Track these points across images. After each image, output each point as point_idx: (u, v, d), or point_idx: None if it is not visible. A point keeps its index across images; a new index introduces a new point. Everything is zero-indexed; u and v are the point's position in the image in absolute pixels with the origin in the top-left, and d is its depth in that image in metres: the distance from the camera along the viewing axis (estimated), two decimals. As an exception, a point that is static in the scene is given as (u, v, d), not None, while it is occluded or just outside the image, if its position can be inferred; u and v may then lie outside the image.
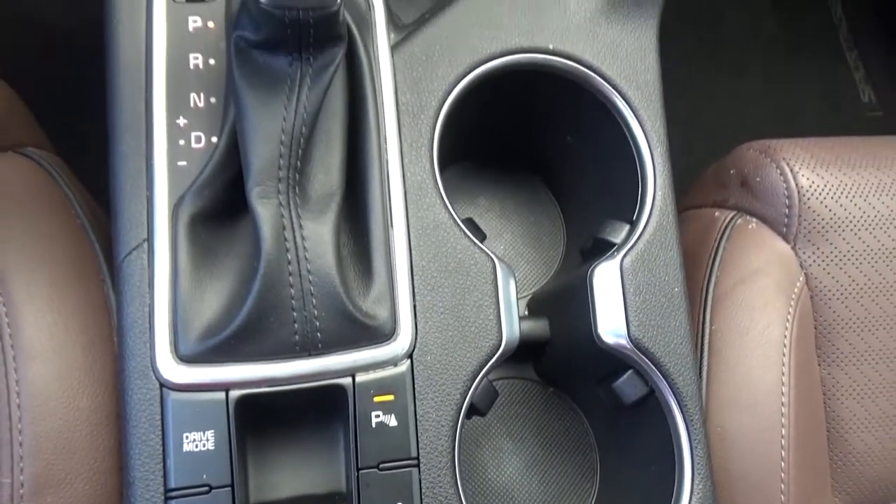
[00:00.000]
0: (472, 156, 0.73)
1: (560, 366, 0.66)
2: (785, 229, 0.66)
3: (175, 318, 0.46)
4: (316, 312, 0.46)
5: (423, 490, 0.49)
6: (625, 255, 0.56)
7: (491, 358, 0.52)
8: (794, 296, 0.64)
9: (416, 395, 0.49)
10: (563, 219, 0.73)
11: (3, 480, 0.48)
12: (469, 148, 0.71)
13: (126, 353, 0.47)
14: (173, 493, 0.45)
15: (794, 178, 0.66)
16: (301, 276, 0.46)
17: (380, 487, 0.48)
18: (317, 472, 0.50)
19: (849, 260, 0.66)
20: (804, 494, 0.61)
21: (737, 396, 0.60)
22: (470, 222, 0.65)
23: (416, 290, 0.51)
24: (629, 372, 0.56)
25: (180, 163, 0.49)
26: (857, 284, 0.66)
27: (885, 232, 0.66)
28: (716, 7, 1.62)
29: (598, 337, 0.54)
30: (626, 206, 0.60)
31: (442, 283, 0.52)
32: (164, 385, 0.46)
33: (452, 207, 0.54)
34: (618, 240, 0.58)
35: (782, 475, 0.60)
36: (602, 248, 0.59)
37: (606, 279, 0.55)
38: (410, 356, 0.50)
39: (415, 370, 0.50)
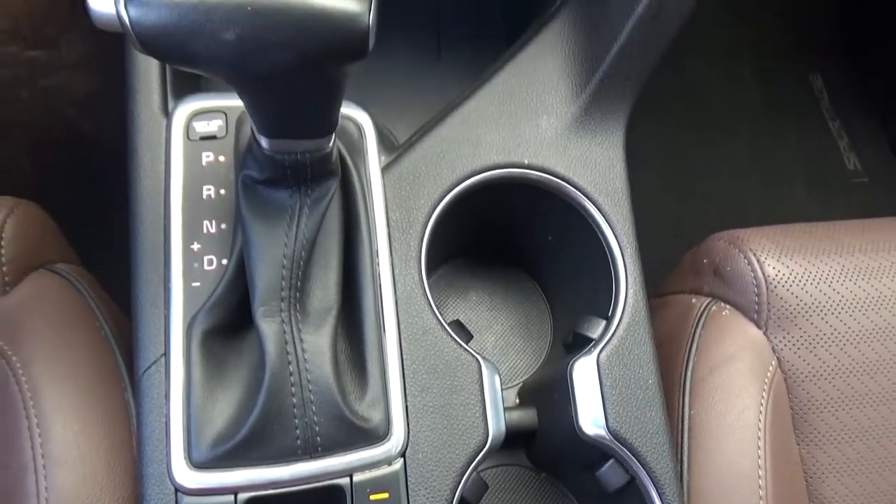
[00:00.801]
0: (462, 254, 0.78)
1: (550, 453, 0.69)
2: (756, 315, 0.71)
3: (189, 428, 0.51)
4: (315, 418, 0.51)
5: None
6: (601, 350, 0.60)
7: (478, 454, 0.56)
8: (767, 379, 0.68)
9: (409, 491, 0.53)
10: (550, 310, 0.78)
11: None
12: (459, 247, 0.77)
13: (144, 461, 0.52)
14: None
15: (761, 267, 0.71)
16: (301, 385, 0.51)
17: (377, 580, 0.52)
18: None
19: (818, 343, 0.70)
20: (789, 574, 0.63)
21: (716, 481, 0.63)
22: (457, 324, 0.70)
23: (407, 391, 0.56)
24: (610, 461, 0.59)
25: (194, 284, 0.55)
26: (828, 366, 0.70)
27: (850, 315, 0.71)
28: (701, 79, 1.71)
29: (580, 428, 0.59)
30: (602, 302, 0.65)
31: (431, 384, 0.57)
32: (178, 490, 0.51)
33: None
34: (595, 335, 0.63)
35: (766, 556, 0.63)
36: (581, 343, 0.64)
37: (585, 374, 0.60)
38: (403, 455, 0.54)
39: (407, 468, 0.54)
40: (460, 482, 0.55)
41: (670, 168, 1.57)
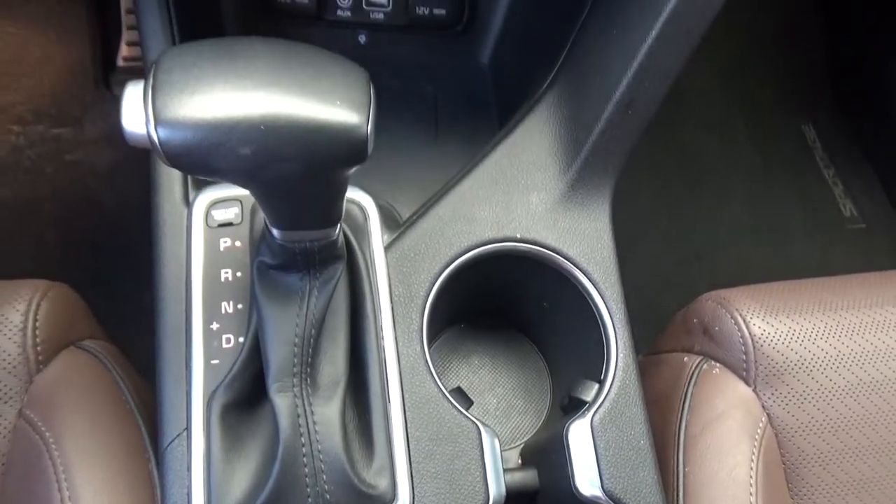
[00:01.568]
0: (464, 319, 0.83)
1: (552, 511, 0.72)
2: (745, 373, 0.74)
3: (209, 499, 0.55)
4: (327, 486, 0.55)
5: None
6: (595, 413, 0.64)
7: (480, 516, 0.59)
8: (757, 436, 0.71)
9: None
10: (549, 373, 0.81)
11: None
12: (461, 314, 0.81)
13: (168, 530, 0.55)
14: None
15: (748, 327, 0.75)
16: (313, 455, 0.55)
17: None
18: None
19: (806, 399, 0.73)
20: None
21: (710, 537, 0.66)
22: (458, 391, 0.74)
23: (412, 458, 0.59)
24: (607, 520, 0.62)
25: (213, 361, 0.60)
26: (817, 421, 0.73)
27: (835, 371, 0.74)
28: (694, 136, 1.77)
29: (577, 489, 0.62)
30: (595, 366, 0.69)
31: (434, 450, 0.60)
32: None
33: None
34: (588, 398, 0.66)
35: None
36: (576, 405, 0.67)
37: (580, 436, 0.63)
38: (409, 519, 0.58)
39: (413, 532, 0.57)
40: (464, 544, 0.58)
41: (670, 225, 1.62)
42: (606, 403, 0.65)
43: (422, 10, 0.87)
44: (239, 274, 0.63)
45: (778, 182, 1.74)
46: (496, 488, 0.60)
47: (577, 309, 0.71)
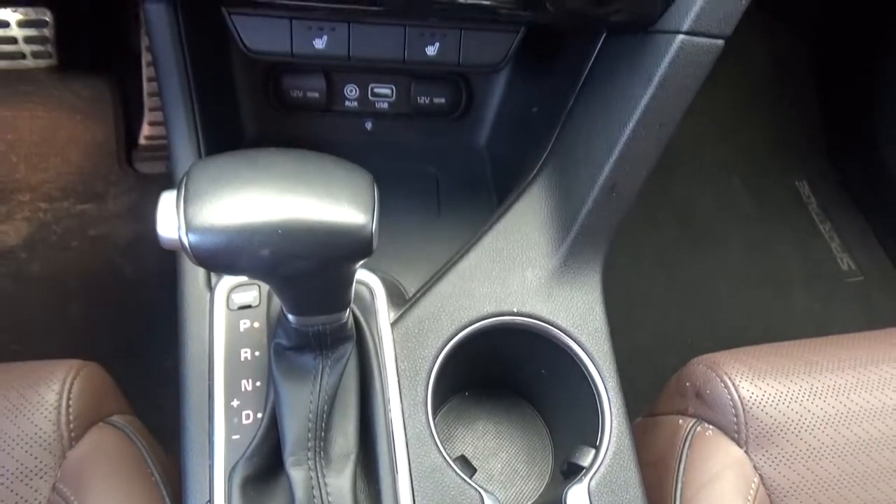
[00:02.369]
0: (469, 387, 0.87)
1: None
2: (737, 435, 0.78)
3: (231, 567, 0.59)
4: (339, 554, 0.59)
5: None
6: (591, 479, 0.68)
7: (485, 580, 0.62)
8: (750, 496, 0.74)
9: None
10: (551, 437, 0.85)
11: None
12: (465, 383, 0.86)
13: None
14: None
15: (737, 390, 0.79)
16: (326, 525, 0.59)
17: None
18: None
19: (796, 459, 0.77)
20: None
21: None
22: (462, 459, 0.78)
23: (419, 526, 0.63)
24: (607, 582, 0.65)
25: (234, 437, 0.65)
26: (807, 481, 0.76)
27: (823, 432, 0.77)
28: (691, 193, 1.83)
29: (577, 552, 0.65)
30: (591, 432, 0.73)
31: (440, 518, 0.64)
32: None
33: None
34: (585, 463, 0.70)
35: None
36: (574, 470, 0.71)
37: (578, 501, 0.67)
38: (417, 585, 0.61)
39: None
40: None
41: (671, 282, 1.66)
42: (602, 469, 0.68)
43: (423, 100, 0.94)
44: (257, 353, 0.69)
45: (775, 237, 1.79)
46: (499, 554, 0.64)
47: (573, 377, 0.76)
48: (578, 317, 0.75)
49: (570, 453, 0.73)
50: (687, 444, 0.80)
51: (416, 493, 0.65)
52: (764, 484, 0.76)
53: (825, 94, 1.98)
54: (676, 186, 1.81)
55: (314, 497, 0.60)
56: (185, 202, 0.49)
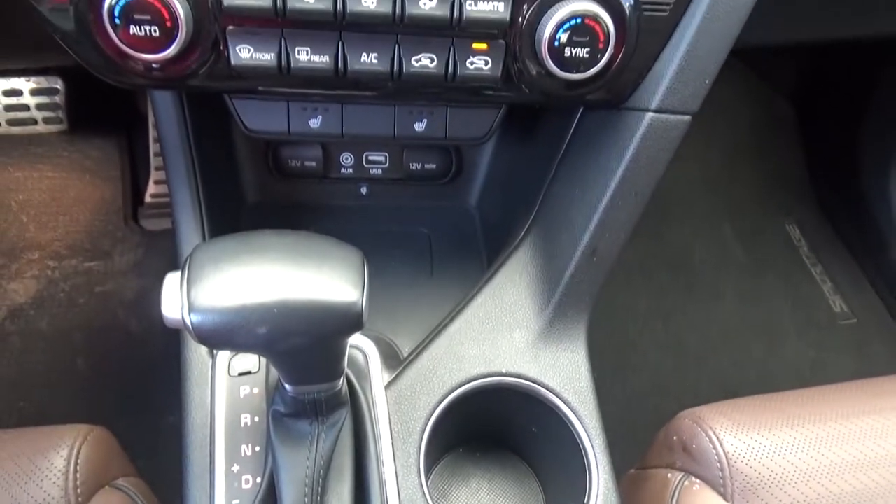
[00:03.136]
0: (462, 444, 0.90)
1: None
2: (723, 489, 0.80)
3: None
4: None
5: None
6: (579, 536, 0.70)
7: None
8: (736, 551, 0.76)
9: None
10: (543, 493, 0.87)
11: None
12: (458, 440, 0.88)
13: None
14: None
15: (721, 444, 0.81)
16: (323, 587, 0.62)
17: None
18: None
19: (780, 513, 0.79)
20: None
21: None
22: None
23: (412, 585, 0.66)
24: None
25: (234, 501, 0.68)
26: (792, 534, 0.78)
27: (806, 484, 0.80)
28: (683, 239, 1.87)
29: None
30: (580, 488, 0.75)
31: (433, 578, 0.66)
32: None
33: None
34: (574, 521, 0.73)
35: None
36: (564, 529, 0.74)
37: (567, 557, 0.69)
38: None
39: None
40: None
41: (666, 329, 1.69)
42: (590, 525, 0.71)
43: (415, 166, 0.99)
44: (257, 419, 0.72)
45: (767, 281, 1.83)
46: None
47: (561, 435, 0.78)
48: (565, 376, 0.79)
49: (561, 511, 0.75)
50: (675, 498, 0.82)
51: (409, 554, 0.67)
52: (750, 537, 0.78)
53: (810, 146, 2.04)
54: (669, 235, 1.85)
55: (310, 560, 0.62)
56: (188, 284, 0.53)
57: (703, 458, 0.82)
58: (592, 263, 0.77)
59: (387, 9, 0.60)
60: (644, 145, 0.71)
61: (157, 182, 1.80)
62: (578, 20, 0.62)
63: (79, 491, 0.75)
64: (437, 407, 0.75)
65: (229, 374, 0.75)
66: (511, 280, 0.83)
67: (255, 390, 0.74)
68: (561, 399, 0.77)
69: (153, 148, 1.77)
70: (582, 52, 0.63)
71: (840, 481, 0.80)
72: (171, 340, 0.79)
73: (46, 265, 1.72)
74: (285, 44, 0.62)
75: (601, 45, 0.63)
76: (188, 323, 0.53)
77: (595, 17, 0.62)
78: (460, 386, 0.77)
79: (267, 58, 0.63)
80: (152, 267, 1.73)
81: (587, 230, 0.76)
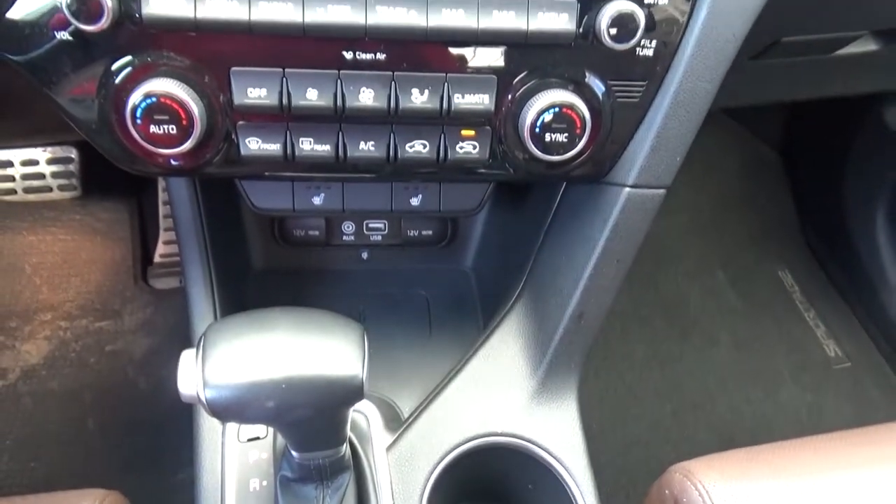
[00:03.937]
0: (465, 500, 0.93)
1: None
2: (713, 542, 0.83)
3: None
4: None
5: None
6: (575, 591, 0.73)
7: None
8: None
9: None
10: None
11: None
12: (460, 497, 0.91)
13: None
14: None
15: (710, 497, 0.85)
16: None
17: None
18: None
19: (769, 565, 0.81)
20: None
21: None
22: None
23: None
24: None
25: (244, 564, 0.71)
26: (781, 586, 0.80)
27: (793, 536, 0.83)
28: (677, 287, 1.91)
29: None
30: (575, 544, 0.79)
31: None
32: None
33: None
34: (569, 577, 0.76)
35: None
36: (560, 584, 0.77)
37: None
38: None
39: None
40: None
41: (663, 376, 1.72)
42: (584, 582, 0.74)
43: (413, 233, 1.05)
44: (265, 483, 0.76)
45: (761, 326, 1.86)
46: None
47: (556, 491, 0.82)
48: (557, 434, 0.83)
49: (556, 566, 0.78)
50: (668, 551, 0.85)
51: None
52: (741, 590, 0.80)
53: (797, 193, 2.10)
54: (663, 283, 1.89)
55: None
56: (203, 362, 0.58)
57: (694, 511, 0.85)
58: (580, 327, 0.82)
59: (382, 104, 0.66)
60: (623, 217, 0.77)
61: (166, 243, 1.86)
62: (556, 109, 0.68)
63: (94, 555, 0.79)
64: (437, 467, 0.79)
65: (239, 440, 0.79)
66: (504, 342, 0.88)
67: (264, 455, 0.78)
68: (553, 457, 0.81)
69: (163, 210, 1.83)
70: (561, 137, 0.69)
71: (826, 532, 0.83)
72: (179, 398, 0.83)
73: (58, 326, 1.76)
74: (290, 135, 0.68)
75: (578, 131, 0.69)
76: (203, 398, 0.58)
77: (571, 107, 0.68)
78: (458, 446, 0.81)
79: (273, 148, 0.69)
80: (161, 325, 1.77)
81: (574, 296, 0.81)
